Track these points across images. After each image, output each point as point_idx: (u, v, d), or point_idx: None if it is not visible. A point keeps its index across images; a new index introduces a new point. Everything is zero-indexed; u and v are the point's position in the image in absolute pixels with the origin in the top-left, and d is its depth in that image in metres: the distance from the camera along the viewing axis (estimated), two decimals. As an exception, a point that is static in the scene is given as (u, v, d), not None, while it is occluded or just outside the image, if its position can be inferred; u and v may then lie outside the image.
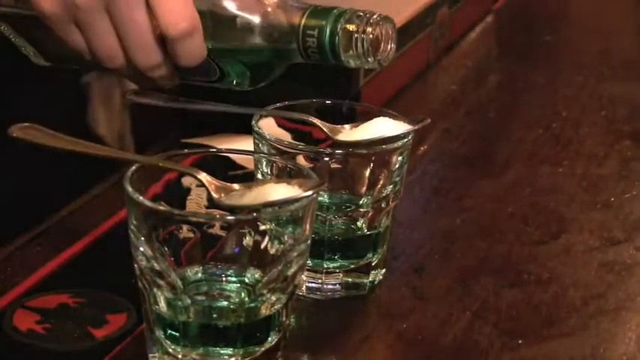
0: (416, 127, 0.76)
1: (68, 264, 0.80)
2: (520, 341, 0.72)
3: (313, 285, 0.76)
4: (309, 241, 0.66)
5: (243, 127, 0.79)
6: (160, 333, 0.66)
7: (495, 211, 0.91)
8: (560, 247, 0.85)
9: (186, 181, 0.71)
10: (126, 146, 1.17)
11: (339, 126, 0.78)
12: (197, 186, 0.71)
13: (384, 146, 0.75)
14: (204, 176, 0.66)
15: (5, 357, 0.69)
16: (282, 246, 0.65)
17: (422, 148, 1.03)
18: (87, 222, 0.85)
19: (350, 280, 0.77)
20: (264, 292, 0.64)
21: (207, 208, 0.71)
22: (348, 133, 0.78)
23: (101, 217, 0.85)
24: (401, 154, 0.75)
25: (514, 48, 1.38)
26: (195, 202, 0.73)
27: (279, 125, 0.79)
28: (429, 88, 1.21)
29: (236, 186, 0.66)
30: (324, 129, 0.77)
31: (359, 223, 0.76)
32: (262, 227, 0.64)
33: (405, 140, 0.75)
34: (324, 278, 0.76)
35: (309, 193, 0.64)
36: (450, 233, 0.87)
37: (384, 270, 0.79)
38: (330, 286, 0.77)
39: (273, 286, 0.64)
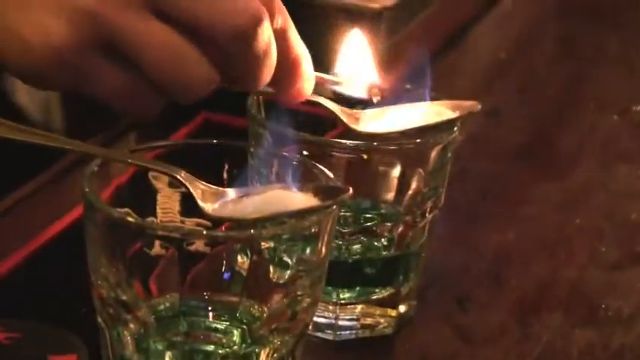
0: (461, 115, 0.75)
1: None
2: (598, 401, 0.72)
3: (323, 321, 0.76)
4: (325, 267, 0.65)
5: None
6: (124, 385, 0.65)
7: (560, 223, 0.91)
8: (646, 274, 0.85)
9: (154, 178, 0.70)
10: (52, 120, 1.16)
11: (357, 110, 0.76)
12: (169, 186, 0.70)
13: (419, 140, 0.75)
14: (186, 178, 0.65)
15: None
16: (289, 272, 0.64)
17: (461, 137, 1.02)
18: (22, 226, 0.84)
19: (371, 314, 0.77)
20: (265, 333, 0.64)
21: (181, 214, 0.70)
22: (370, 120, 0.76)
23: (40, 221, 0.84)
24: (443, 150, 0.75)
25: (579, 2, 1.37)
26: (165, 208, 0.72)
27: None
28: (469, 55, 1.21)
29: (229, 190, 0.65)
30: (341, 115, 0.75)
31: (384, 241, 0.75)
32: (263, 246, 0.64)
33: (449, 132, 0.75)
34: (337, 312, 0.76)
35: (329, 203, 0.63)
36: (501, 253, 0.86)
37: (415, 302, 0.78)
38: (345, 323, 0.76)
39: (277, 325, 0.64)
